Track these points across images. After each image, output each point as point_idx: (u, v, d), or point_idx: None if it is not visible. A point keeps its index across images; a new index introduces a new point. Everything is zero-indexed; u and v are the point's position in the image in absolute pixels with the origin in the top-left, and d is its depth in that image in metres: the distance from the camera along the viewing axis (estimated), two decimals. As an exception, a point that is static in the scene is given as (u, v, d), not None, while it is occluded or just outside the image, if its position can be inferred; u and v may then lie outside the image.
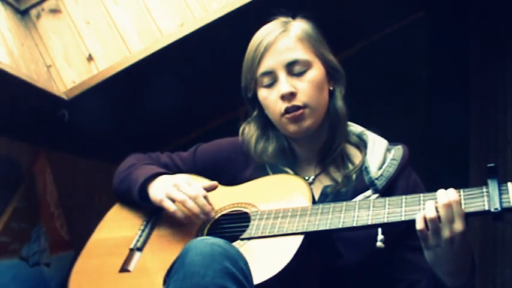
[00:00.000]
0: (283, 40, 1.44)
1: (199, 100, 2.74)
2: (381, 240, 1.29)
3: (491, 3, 2.83)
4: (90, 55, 1.98)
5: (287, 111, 1.41)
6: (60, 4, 2.01)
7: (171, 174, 1.50)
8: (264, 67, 1.43)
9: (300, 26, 1.47)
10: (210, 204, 1.39)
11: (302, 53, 1.43)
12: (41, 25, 2.01)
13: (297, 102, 1.41)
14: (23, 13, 2.01)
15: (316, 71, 1.44)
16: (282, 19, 1.49)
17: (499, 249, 2.56)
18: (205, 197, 1.39)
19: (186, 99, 2.52)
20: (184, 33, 1.96)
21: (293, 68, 1.42)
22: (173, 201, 1.40)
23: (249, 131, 1.54)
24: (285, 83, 1.41)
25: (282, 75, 1.42)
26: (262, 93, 1.46)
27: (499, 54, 2.69)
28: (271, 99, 1.44)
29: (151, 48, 1.96)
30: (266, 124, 1.52)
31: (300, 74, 1.43)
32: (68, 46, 1.99)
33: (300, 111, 1.41)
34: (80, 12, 2.00)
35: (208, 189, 1.43)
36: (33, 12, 2.01)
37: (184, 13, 1.97)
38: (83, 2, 2.01)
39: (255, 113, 1.54)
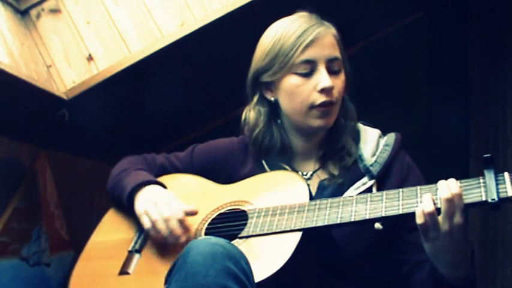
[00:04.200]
0: (329, 36, 1.45)
1: (199, 100, 2.74)
2: (378, 221, 1.29)
3: (491, 3, 2.83)
4: (90, 55, 1.98)
5: (322, 104, 1.42)
6: (60, 4, 2.01)
7: (160, 184, 1.50)
8: (307, 55, 1.42)
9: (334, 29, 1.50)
10: (184, 228, 1.37)
11: (339, 53, 1.46)
12: (41, 25, 2.01)
13: (333, 98, 1.43)
14: (23, 13, 2.00)
15: (344, 75, 1.47)
16: (314, 16, 1.49)
17: (499, 249, 2.56)
18: (181, 220, 1.38)
19: (185, 99, 2.53)
20: (184, 33, 1.96)
21: (332, 65, 1.44)
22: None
23: (255, 122, 1.51)
24: (327, 77, 1.41)
25: (323, 68, 1.42)
26: (294, 80, 1.44)
27: (499, 54, 2.69)
28: (305, 88, 1.43)
29: (151, 48, 1.96)
30: (270, 116, 1.51)
31: (336, 73, 1.44)
32: (68, 46, 1.99)
33: (332, 106, 1.43)
34: (80, 12, 2.00)
35: (189, 214, 1.41)
36: (33, 12, 2.01)
37: (184, 13, 1.97)
38: (83, 2, 2.00)
39: (256, 98, 1.52)
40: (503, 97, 2.59)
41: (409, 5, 3.13)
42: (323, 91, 1.41)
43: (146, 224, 1.41)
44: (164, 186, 1.51)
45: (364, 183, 1.40)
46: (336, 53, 1.45)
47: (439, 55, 3.24)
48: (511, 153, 2.44)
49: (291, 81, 1.44)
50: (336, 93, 1.43)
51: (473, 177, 1.21)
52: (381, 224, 1.29)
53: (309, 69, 1.43)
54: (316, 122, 1.44)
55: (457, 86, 3.17)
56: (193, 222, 1.42)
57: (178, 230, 1.37)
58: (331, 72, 1.44)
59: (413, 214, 1.20)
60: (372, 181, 1.40)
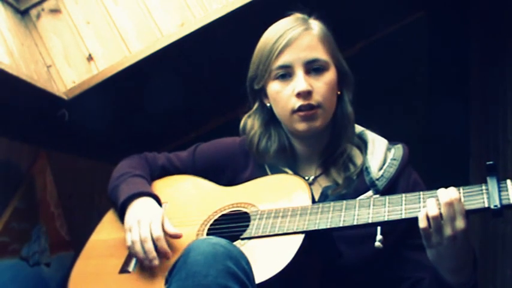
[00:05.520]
0: (306, 37, 1.43)
1: (199, 100, 2.74)
2: (379, 241, 1.29)
3: (491, 3, 2.83)
4: (90, 55, 1.98)
5: (300, 108, 1.40)
6: (60, 4, 2.01)
7: (154, 195, 1.49)
8: (282, 60, 1.42)
9: (320, 27, 1.47)
10: (162, 250, 1.35)
11: (322, 54, 1.43)
12: (41, 25, 2.01)
13: (312, 101, 1.40)
14: (23, 13, 2.00)
15: (332, 74, 1.44)
16: (300, 16, 1.49)
17: (499, 250, 2.56)
18: (158, 241, 1.36)
19: (185, 99, 2.53)
20: (184, 33, 1.96)
21: (311, 67, 1.42)
22: None
23: (252, 126, 1.52)
24: (303, 81, 1.40)
25: (300, 72, 1.41)
26: (275, 87, 1.44)
27: (499, 54, 2.69)
28: (284, 94, 1.43)
29: (151, 48, 1.96)
30: (269, 120, 1.51)
31: (317, 74, 1.42)
32: (68, 46, 1.99)
33: (313, 110, 1.41)
34: (80, 12, 2.00)
35: (172, 236, 1.39)
36: (33, 12, 2.01)
37: (184, 13, 1.97)
38: (83, 2, 2.00)
39: (256, 105, 1.53)
40: (503, 97, 2.59)
41: (409, 5, 3.12)
42: (299, 95, 1.40)
43: (127, 242, 1.41)
44: (157, 198, 1.50)
45: (369, 197, 1.38)
46: (316, 53, 1.42)
47: (439, 55, 3.24)
48: (511, 153, 2.44)
49: (273, 87, 1.45)
50: (316, 95, 1.41)
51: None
52: (381, 243, 1.29)
53: (286, 74, 1.42)
54: (300, 126, 1.42)
55: (457, 86, 3.17)
56: (195, 223, 1.42)
57: (152, 253, 1.35)
58: (312, 72, 1.42)
59: (415, 219, 1.20)
60: (377, 196, 1.38)
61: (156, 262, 1.35)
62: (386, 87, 3.23)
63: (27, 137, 1.97)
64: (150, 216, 1.40)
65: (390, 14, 2.98)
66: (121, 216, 1.49)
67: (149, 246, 1.36)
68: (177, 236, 1.39)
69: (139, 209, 1.45)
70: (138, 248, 1.37)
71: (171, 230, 1.39)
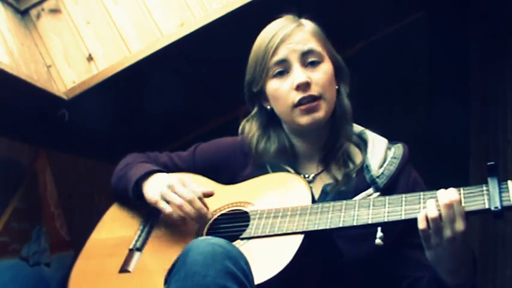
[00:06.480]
0: (299, 33, 1.44)
1: (199, 100, 2.74)
2: (379, 238, 1.29)
3: (491, 3, 2.83)
4: (90, 55, 1.98)
5: (301, 102, 1.40)
6: (60, 4, 2.01)
7: (165, 172, 1.49)
8: (278, 56, 1.43)
9: (311, 24, 1.49)
10: (205, 206, 1.39)
11: (317, 46, 1.44)
12: (41, 25, 2.01)
13: (313, 92, 1.40)
14: (23, 13, 2.01)
15: (328, 65, 1.45)
16: (291, 17, 1.50)
17: (499, 250, 2.56)
18: (201, 199, 1.39)
19: (186, 99, 2.53)
20: (184, 33, 1.96)
21: (307, 59, 1.43)
22: (168, 202, 1.40)
23: (250, 129, 1.53)
24: (300, 73, 1.40)
25: (297, 65, 1.42)
26: (274, 84, 1.45)
27: (499, 54, 2.69)
28: (283, 89, 1.43)
29: (151, 48, 1.96)
30: (267, 122, 1.51)
31: (314, 66, 1.43)
32: (68, 46, 1.99)
33: (316, 102, 1.41)
34: (80, 12, 2.00)
35: (205, 195, 1.41)
36: (33, 12, 2.01)
37: (184, 13, 1.98)
38: (83, 2, 2.01)
39: (255, 109, 1.53)
40: (503, 97, 2.59)
41: (409, 5, 3.13)
42: (299, 88, 1.40)
43: (166, 208, 1.39)
44: None
45: (369, 195, 1.38)
46: (310, 45, 1.43)
47: (439, 55, 3.24)
48: (511, 153, 2.45)
49: (272, 85, 1.45)
50: (316, 87, 1.41)
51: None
52: (382, 240, 1.28)
53: (284, 70, 1.43)
54: (303, 120, 1.42)
55: (457, 86, 3.17)
56: (195, 223, 1.42)
57: (204, 208, 1.38)
58: (308, 65, 1.43)
59: (415, 220, 1.20)
60: (377, 193, 1.38)
61: (209, 216, 1.39)
62: (386, 87, 3.23)
63: (27, 137, 1.97)
64: (179, 179, 1.41)
65: (390, 14, 2.98)
66: (134, 197, 1.47)
67: (199, 204, 1.37)
68: (210, 194, 1.42)
69: (161, 179, 1.44)
70: (188, 208, 1.37)
71: (203, 189, 1.42)
